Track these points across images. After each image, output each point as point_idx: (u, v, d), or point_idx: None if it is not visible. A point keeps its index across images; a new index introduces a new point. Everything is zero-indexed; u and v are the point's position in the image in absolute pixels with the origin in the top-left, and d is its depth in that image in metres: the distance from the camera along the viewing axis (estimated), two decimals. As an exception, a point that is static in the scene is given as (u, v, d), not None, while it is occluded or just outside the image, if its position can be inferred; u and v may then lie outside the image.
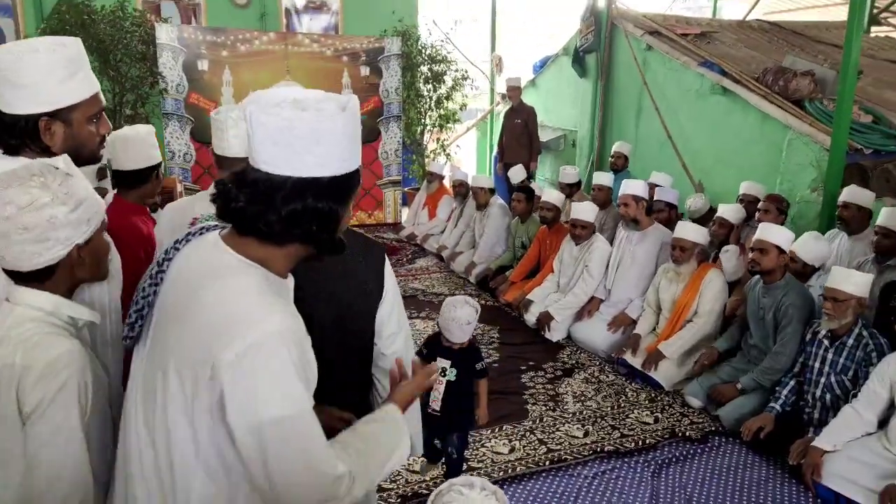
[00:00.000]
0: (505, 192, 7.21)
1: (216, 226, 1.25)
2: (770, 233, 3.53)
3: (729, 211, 4.67)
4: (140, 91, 6.71)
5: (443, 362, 2.72)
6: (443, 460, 2.94)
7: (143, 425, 1.17)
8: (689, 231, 4.06)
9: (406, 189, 8.39)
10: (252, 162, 1.12)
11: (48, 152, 1.52)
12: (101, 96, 1.65)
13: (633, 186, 4.63)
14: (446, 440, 2.85)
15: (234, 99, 6.92)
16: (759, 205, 4.40)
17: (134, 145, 2.56)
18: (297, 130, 1.07)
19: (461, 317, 2.66)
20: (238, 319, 1.07)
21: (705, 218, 5.16)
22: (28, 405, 1.24)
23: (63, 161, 1.37)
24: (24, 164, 1.33)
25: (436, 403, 2.72)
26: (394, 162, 7.85)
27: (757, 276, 3.66)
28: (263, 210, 1.11)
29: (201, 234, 1.25)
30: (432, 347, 2.81)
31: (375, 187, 7.79)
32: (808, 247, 3.69)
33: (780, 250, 3.50)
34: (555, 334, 4.71)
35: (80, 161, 1.56)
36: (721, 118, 6.06)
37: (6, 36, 8.28)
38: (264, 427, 1.07)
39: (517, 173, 6.54)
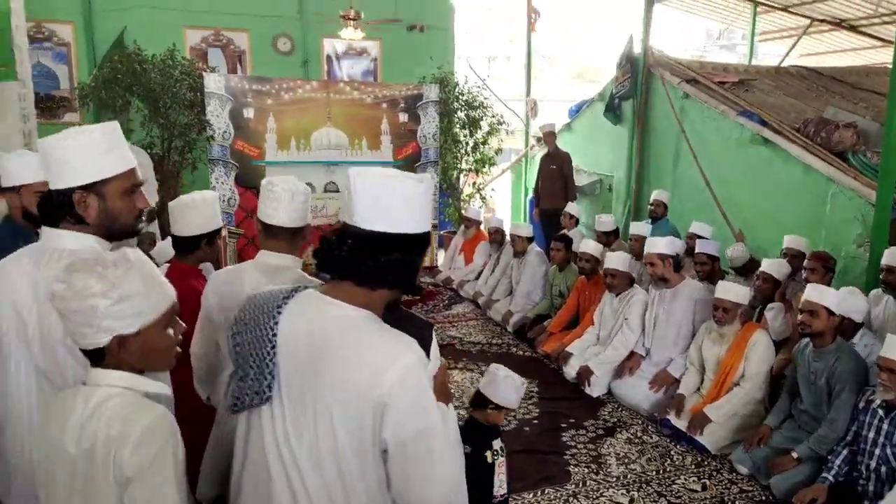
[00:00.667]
0: (541, 238, 7.23)
1: (302, 287, 1.43)
2: (819, 294, 3.47)
3: (773, 266, 4.61)
4: (188, 137, 6.94)
5: (498, 443, 2.68)
6: None
7: (308, 469, 1.32)
8: (731, 291, 4.01)
9: (442, 232, 8.46)
10: (352, 221, 1.33)
11: (83, 223, 1.62)
12: (138, 172, 1.74)
13: (658, 244, 4.58)
14: None
15: (276, 145, 7.10)
16: (805, 263, 4.33)
17: (192, 212, 2.60)
18: (393, 195, 1.33)
19: (518, 380, 2.72)
20: (384, 355, 1.29)
21: (745, 268, 5.11)
22: (128, 472, 1.29)
23: (133, 254, 1.44)
24: (103, 254, 1.46)
25: (504, 487, 2.65)
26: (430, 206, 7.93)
27: (806, 339, 3.60)
28: (364, 259, 1.33)
29: (292, 296, 1.40)
30: (481, 434, 2.68)
31: (412, 232, 7.86)
32: (847, 303, 3.63)
33: (830, 312, 3.44)
34: (595, 389, 4.67)
35: (114, 235, 1.68)
36: (762, 168, 6.02)
37: (60, 81, 8.66)
38: (431, 431, 1.30)
39: (606, 223, 6.31)
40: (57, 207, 1.59)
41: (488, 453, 2.63)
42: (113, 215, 1.63)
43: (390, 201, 1.32)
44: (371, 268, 1.33)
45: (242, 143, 6.97)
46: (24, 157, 2.69)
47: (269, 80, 7.13)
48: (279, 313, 1.37)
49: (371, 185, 1.31)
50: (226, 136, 6.89)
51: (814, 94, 7.40)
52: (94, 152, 1.57)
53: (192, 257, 2.66)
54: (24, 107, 5.50)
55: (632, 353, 4.70)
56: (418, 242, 1.38)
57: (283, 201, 2.03)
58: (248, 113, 6.96)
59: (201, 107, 6.89)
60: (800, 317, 3.52)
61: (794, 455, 3.42)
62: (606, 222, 6.27)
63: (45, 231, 1.63)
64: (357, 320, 1.34)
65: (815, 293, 3.47)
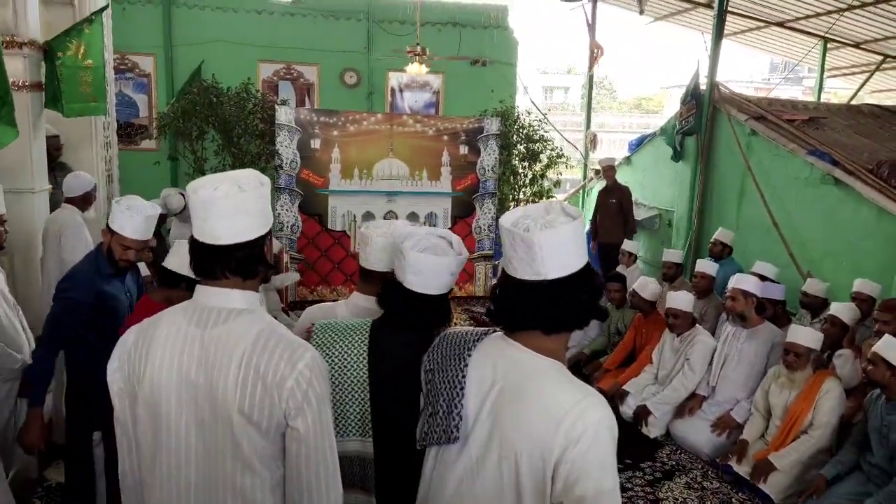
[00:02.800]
0: (598, 272, 7.18)
1: (491, 331, 1.45)
2: (891, 350, 3.35)
3: (842, 310, 4.46)
4: (258, 166, 7.22)
5: None
6: None
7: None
8: (804, 336, 3.90)
9: (496, 262, 8.50)
10: (538, 275, 1.33)
11: (253, 277, 1.53)
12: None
13: (745, 281, 4.49)
14: None
15: (340, 175, 7.31)
16: (875, 314, 4.17)
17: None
18: (568, 237, 1.33)
19: None
20: (571, 407, 1.27)
21: (818, 307, 4.96)
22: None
23: None
24: None
25: None
26: (486, 237, 7.99)
27: (878, 389, 3.47)
28: (568, 307, 1.34)
29: (482, 339, 1.43)
30: None
31: (468, 261, 7.93)
32: None
33: (904, 366, 3.31)
34: (653, 430, 4.58)
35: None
36: (832, 209, 5.85)
37: (140, 109, 9.17)
38: (607, 494, 1.25)
39: (674, 255, 6.29)
40: (250, 260, 1.45)
41: None
42: (271, 261, 1.56)
43: (569, 246, 1.33)
44: (572, 312, 1.35)
45: (308, 173, 7.20)
46: (134, 215, 2.74)
47: (335, 112, 7.38)
48: (469, 356, 1.40)
49: (552, 238, 1.30)
50: (293, 165, 7.14)
51: (887, 135, 7.16)
52: (268, 199, 1.52)
53: (163, 293, 2.61)
54: (107, 135, 5.87)
55: (693, 394, 4.60)
56: (591, 269, 1.40)
57: (373, 245, 2.06)
58: (315, 143, 7.20)
59: (271, 137, 7.17)
60: (869, 368, 3.39)
61: (865, 507, 3.27)
62: (675, 254, 6.24)
63: (206, 290, 1.47)
64: (545, 368, 1.34)
65: (886, 348, 3.35)
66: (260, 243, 1.47)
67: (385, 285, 1.89)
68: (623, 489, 3.86)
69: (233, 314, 1.44)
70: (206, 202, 1.40)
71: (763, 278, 5.31)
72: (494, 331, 1.45)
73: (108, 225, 2.79)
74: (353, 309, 2.02)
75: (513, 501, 1.29)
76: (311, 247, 7.36)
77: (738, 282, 4.51)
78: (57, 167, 5.35)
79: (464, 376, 1.38)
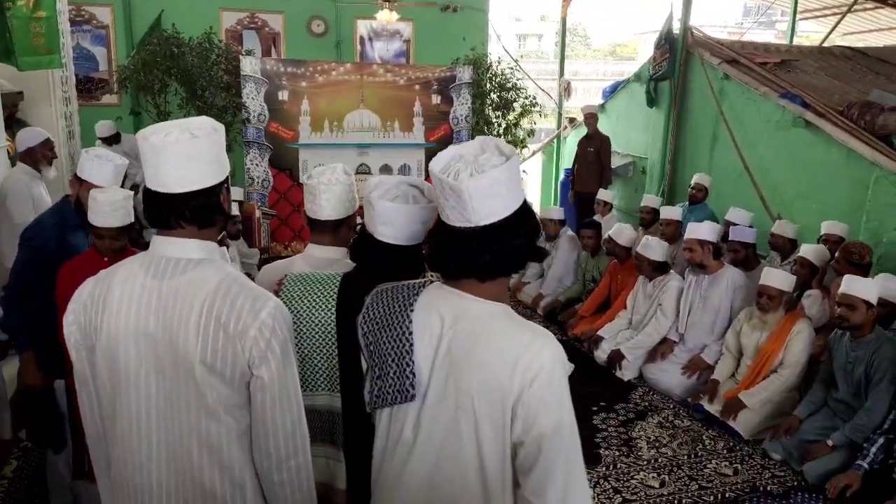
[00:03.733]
0: (574, 221, 7.20)
1: (428, 282, 1.41)
2: (857, 287, 3.41)
3: (812, 252, 4.53)
4: (224, 120, 7.03)
5: None
6: None
7: (447, 464, 1.32)
8: (777, 278, 3.95)
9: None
10: (469, 222, 1.28)
11: (211, 226, 1.49)
12: None
13: (699, 230, 4.52)
14: None
15: (310, 127, 7.16)
16: (836, 255, 4.23)
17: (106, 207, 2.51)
18: (500, 182, 1.27)
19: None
20: (525, 349, 1.25)
21: (787, 249, 5.03)
22: None
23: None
24: None
25: None
26: (462, 188, 7.94)
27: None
28: (505, 251, 1.29)
29: (420, 291, 1.38)
30: None
31: (442, 212, 7.89)
32: (885, 288, 3.58)
33: (869, 304, 3.39)
34: (626, 373, 4.67)
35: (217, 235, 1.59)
36: (803, 151, 5.89)
37: (99, 63, 8.82)
38: (566, 428, 1.25)
39: (652, 200, 6.45)
40: (205, 208, 1.41)
41: None
42: (229, 211, 1.53)
43: (502, 188, 1.27)
44: (512, 255, 1.31)
45: (277, 126, 7.03)
46: (103, 163, 2.71)
47: (303, 62, 7.17)
48: (412, 310, 1.35)
49: (482, 185, 1.25)
50: (261, 118, 6.96)
51: (858, 76, 7.18)
52: (223, 146, 1.47)
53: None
54: (65, 90, 5.65)
55: (665, 339, 4.68)
56: (529, 210, 1.35)
57: (320, 193, 2.00)
58: (283, 95, 7.02)
59: (237, 89, 6.97)
60: (837, 310, 3.47)
61: (830, 443, 3.39)
62: (655, 199, 6.38)
63: (163, 240, 1.43)
64: (494, 313, 1.32)
65: (852, 286, 3.42)
66: (216, 191, 1.43)
67: (356, 237, 1.84)
68: (597, 430, 3.95)
69: (191, 264, 1.40)
70: (157, 149, 1.35)
71: (731, 223, 5.38)
72: (431, 281, 1.41)
73: (75, 175, 2.75)
74: (311, 261, 1.97)
75: (473, 449, 1.28)
76: (284, 202, 7.24)
77: (692, 232, 4.55)
78: (15, 124, 5.16)
79: (410, 332, 1.33)
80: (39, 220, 2.82)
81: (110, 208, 2.50)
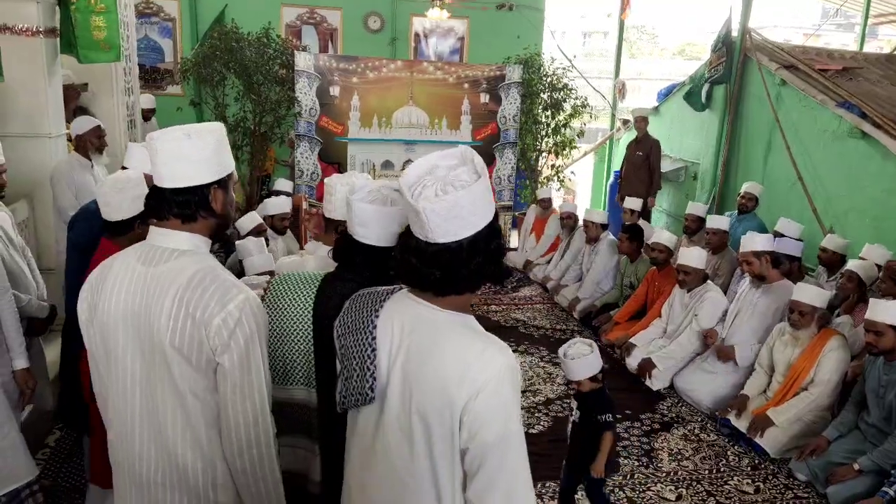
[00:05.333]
0: (618, 226, 7.11)
1: (398, 288, 1.45)
2: (882, 312, 3.29)
3: (862, 267, 4.37)
4: (277, 113, 7.25)
5: (574, 402, 2.99)
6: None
7: (403, 467, 1.37)
8: (808, 294, 3.84)
9: (516, 213, 8.46)
10: (428, 238, 1.31)
11: (198, 220, 1.60)
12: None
13: (753, 242, 4.41)
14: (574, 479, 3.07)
15: (359, 123, 7.30)
16: (881, 275, 4.07)
17: (122, 195, 2.54)
18: (460, 206, 1.29)
19: (574, 352, 2.87)
20: (475, 360, 1.30)
21: (835, 263, 4.88)
22: None
23: None
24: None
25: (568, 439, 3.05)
26: (506, 187, 7.94)
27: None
28: (457, 272, 1.33)
29: (388, 297, 1.44)
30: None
31: (488, 212, 7.91)
32: None
33: None
34: (656, 383, 4.61)
35: (219, 232, 1.69)
36: (858, 163, 5.67)
37: (165, 54, 9.20)
38: (512, 436, 1.30)
39: (699, 208, 6.38)
40: (190, 204, 1.54)
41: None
42: (230, 209, 1.65)
43: (463, 211, 1.29)
44: (465, 277, 1.34)
45: (327, 120, 7.21)
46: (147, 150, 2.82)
47: (354, 59, 7.32)
48: (377, 316, 1.40)
49: (440, 208, 1.27)
50: (312, 112, 7.14)
51: (927, 85, 6.83)
52: (222, 148, 1.60)
53: (125, 239, 2.49)
54: (128, 80, 5.93)
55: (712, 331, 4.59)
56: (495, 226, 1.37)
57: (337, 194, 2.07)
58: (335, 91, 7.18)
59: (291, 84, 7.17)
60: (865, 337, 3.36)
61: (856, 467, 3.28)
62: (700, 208, 6.30)
63: (156, 231, 1.58)
64: (449, 323, 1.36)
65: (878, 311, 3.30)
66: (201, 190, 1.55)
67: (339, 238, 1.89)
68: (619, 439, 3.93)
69: (175, 254, 1.53)
70: (156, 147, 1.51)
71: (779, 234, 5.23)
72: (401, 288, 1.45)
73: (122, 167, 2.88)
74: (320, 262, 2.05)
75: (425, 451, 1.33)
76: (331, 194, 7.42)
77: (747, 244, 4.43)
78: (78, 112, 5.45)
79: (374, 338, 1.39)
80: (85, 208, 2.98)
81: (118, 196, 2.50)
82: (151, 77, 8.75)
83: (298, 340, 1.83)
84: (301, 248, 6.31)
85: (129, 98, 6.02)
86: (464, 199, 1.28)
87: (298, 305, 1.84)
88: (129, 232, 2.53)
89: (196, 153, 1.52)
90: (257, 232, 4.88)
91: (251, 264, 4.16)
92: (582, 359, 2.88)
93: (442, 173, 1.32)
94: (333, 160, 7.33)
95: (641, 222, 6.37)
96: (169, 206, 1.53)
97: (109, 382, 1.59)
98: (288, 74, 7.29)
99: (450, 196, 1.27)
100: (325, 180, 2.15)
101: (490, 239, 1.34)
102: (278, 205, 5.37)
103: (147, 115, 6.93)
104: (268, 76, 7.30)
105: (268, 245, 4.64)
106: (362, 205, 1.72)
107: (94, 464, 2.62)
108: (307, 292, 1.84)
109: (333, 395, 1.46)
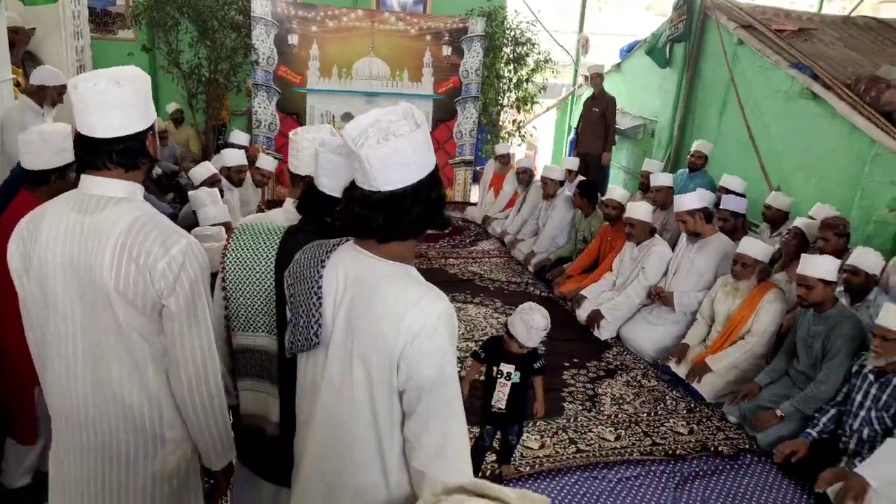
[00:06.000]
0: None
1: (344, 240, 1.52)
2: (812, 266, 3.48)
3: (807, 225, 4.53)
4: (234, 61, 7.09)
5: (507, 367, 2.96)
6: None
7: (345, 409, 1.45)
8: (753, 248, 4.01)
9: (478, 168, 8.50)
10: (371, 187, 1.37)
11: (136, 169, 1.64)
12: None
13: (685, 201, 4.56)
14: (506, 430, 3.13)
15: (319, 73, 7.20)
16: (818, 232, 4.26)
17: (43, 146, 2.53)
18: (401, 153, 1.35)
19: (541, 323, 2.86)
20: (412, 307, 1.37)
21: (779, 220, 5.07)
22: None
23: None
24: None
25: (501, 403, 3.00)
26: (467, 142, 7.96)
27: (810, 304, 3.62)
28: (400, 218, 1.39)
29: (335, 249, 1.50)
30: (495, 352, 3.00)
31: (448, 166, 7.95)
32: (861, 258, 3.65)
33: (826, 282, 3.45)
34: (604, 333, 4.79)
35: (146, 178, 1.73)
36: (807, 124, 5.83)
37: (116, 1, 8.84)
38: (446, 380, 1.38)
39: (654, 164, 6.58)
40: (131, 152, 1.56)
41: (494, 369, 2.98)
42: (159, 153, 1.70)
43: (404, 158, 1.35)
44: (408, 224, 1.40)
45: (285, 69, 7.09)
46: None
47: (313, 6, 7.16)
48: (323, 266, 1.47)
49: (382, 154, 1.33)
50: (270, 61, 7.01)
51: (877, 49, 6.99)
52: (149, 93, 1.62)
53: (42, 190, 2.51)
54: (77, 24, 5.74)
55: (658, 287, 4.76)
56: (436, 176, 1.44)
57: (302, 149, 2.06)
58: (293, 39, 7.04)
59: (248, 31, 7.00)
60: (797, 291, 3.54)
61: (779, 413, 3.50)
62: (653, 164, 6.46)
63: (89, 179, 1.57)
64: (390, 273, 1.42)
65: (808, 266, 3.49)
66: (140, 137, 1.57)
67: (304, 190, 1.92)
68: (565, 385, 4.10)
69: (112, 202, 1.56)
70: (86, 96, 1.49)
71: (727, 191, 5.40)
72: (348, 240, 1.51)
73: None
74: (287, 215, 2.08)
75: (365, 393, 1.42)
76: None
77: (679, 205, 4.59)
78: (27, 57, 5.27)
79: (319, 287, 1.46)
80: None
81: (44, 148, 2.49)
82: (102, 21, 8.42)
83: (261, 290, 1.87)
84: (261, 200, 6.28)
85: (79, 42, 5.84)
86: (404, 146, 1.35)
87: (261, 256, 1.87)
88: (44, 185, 2.51)
89: (129, 100, 1.53)
90: (211, 182, 4.83)
91: (205, 215, 4.14)
92: (542, 332, 2.91)
93: (384, 125, 1.38)
94: (292, 111, 7.24)
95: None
96: (109, 156, 1.54)
97: (47, 330, 1.61)
98: (244, 20, 7.10)
99: (390, 143, 1.34)
100: (290, 135, 2.16)
101: (431, 188, 1.41)
102: (235, 157, 5.31)
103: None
104: (223, 22, 7.10)
105: (223, 196, 4.61)
106: (329, 155, 1.75)
107: (19, 425, 2.69)
108: (270, 243, 1.87)
109: None
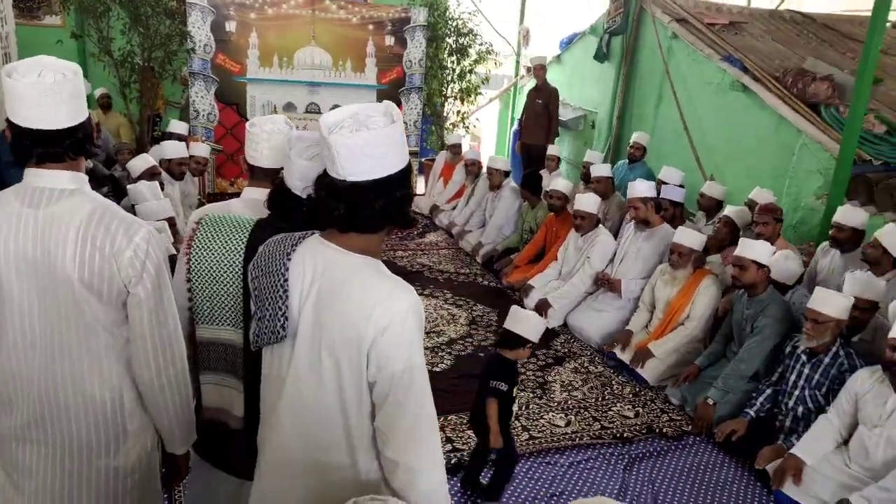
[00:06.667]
0: (519, 172, 7.32)
1: (309, 234, 1.52)
2: (748, 249, 3.67)
3: (736, 212, 4.74)
4: (168, 48, 6.84)
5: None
6: None
7: (311, 401, 1.46)
8: (688, 238, 4.17)
9: (423, 160, 8.51)
10: (338, 175, 1.38)
11: (78, 158, 1.65)
12: None
13: (639, 188, 4.71)
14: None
15: (259, 62, 7.04)
16: (755, 216, 4.48)
17: None
18: (371, 146, 1.36)
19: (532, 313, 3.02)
20: (380, 297, 1.39)
21: (714, 209, 5.28)
22: None
23: None
24: None
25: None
26: (413, 133, 7.94)
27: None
28: (362, 210, 1.40)
29: (300, 242, 1.50)
30: (514, 371, 3.01)
31: (392, 156, 7.90)
32: (780, 266, 3.83)
33: (760, 265, 3.64)
34: (551, 321, 4.89)
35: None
36: (738, 115, 6.08)
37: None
38: (415, 369, 1.40)
39: (596, 158, 6.61)
40: (81, 141, 1.57)
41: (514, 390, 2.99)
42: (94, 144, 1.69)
43: (373, 150, 1.36)
44: (370, 216, 1.41)
45: (224, 58, 6.90)
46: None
47: (252, -7, 6.98)
48: (289, 259, 1.47)
49: (352, 143, 1.34)
50: (207, 49, 6.81)
51: (802, 42, 7.34)
52: (82, 87, 1.61)
53: None
54: (0, 8, 5.42)
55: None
56: (406, 176, 1.44)
57: (261, 141, 2.04)
58: (231, 27, 6.86)
59: (183, 17, 6.77)
60: (732, 271, 3.72)
61: (710, 402, 3.66)
62: (594, 155, 6.59)
63: (35, 172, 1.56)
64: (357, 266, 1.43)
65: (744, 248, 3.67)
66: (85, 126, 1.59)
67: (274, 188, 1.90)
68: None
69: (64, 194, 1.56)
70: (34, 88, 1.48)
71: (663, 182, 5.58)
72: (313, 233, 1.52)
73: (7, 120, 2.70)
74: (248, 203, 2.04)
75: (334, 385, 1.43)
76: (231, 137, 7.17)
77: (634, 191, 4.73)
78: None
79: (286, 279, 1.46)
80: None
81: None
82: (26, 5, 7.99)
83: (227, 283, 1.85)
84: (200, 193, 6.11)
85: (3, 28, 5.51)
86: (374, 139, 1.36)
87: (229, 249, 1.85)
88: None
89: (77, 91, 1.55)
90: (150, 175, 4.68)
91: (146, 210, 4.01)
92: (530, 319, 2.94)
93: (362, 118, 1.40)
94: (231, 101, 7.06)
95: (553, 173, 6.61)
96: (60, 146, 1.54)
97: (6, 331, 1.58)
98: (179, 7, 6.86)
99: (362, 134, 1.35)
100: (248, 127, 2.13)
101: (398, 185, 1.42)
102: (176, 149, 5.15)
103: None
104: (157, 7, 6.83)
105: (163, 190, 4.47)
106: (303, 161, 1.75)
107: None
108: (238, 236, 1.85)
109: None
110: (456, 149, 7.45)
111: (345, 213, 1.40)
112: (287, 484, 1.54)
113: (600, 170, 5.81)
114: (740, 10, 8.21)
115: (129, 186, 4.28)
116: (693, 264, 4.23)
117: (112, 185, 5.66)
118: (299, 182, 1.77)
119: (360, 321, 1.38)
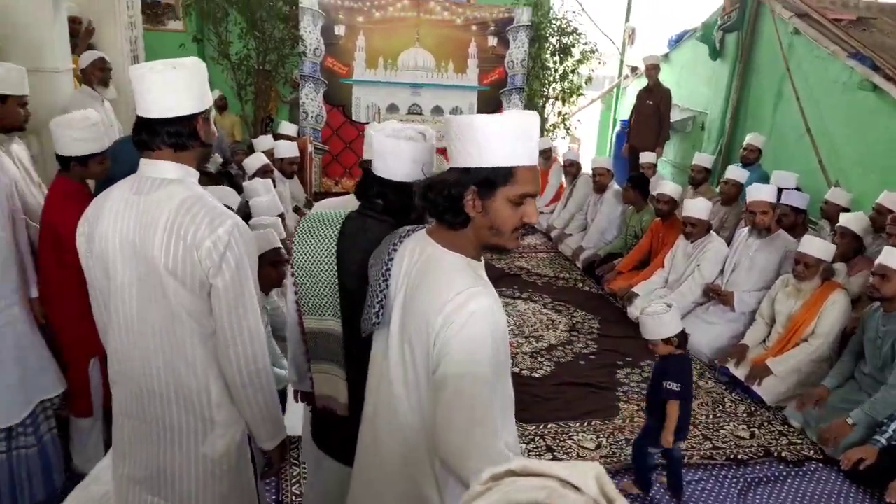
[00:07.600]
0: (624, 175, 7.10)
1: (419, 227, 1.57)
2: (894, 258, 3.35)
3: (851, 220, 4.34)
4: (282, 52, 7.12)
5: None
6: None
7: (401, 389, 1.49)
8: (815, 247, 3.88)
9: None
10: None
11: (186, 150, 1.71)
12: None
13: (767, 192, 4.42)
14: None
15: (365, 64, 7.19)
16: (888, 227, 4.10)
17: (70, 132, 2.60)
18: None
19: (648, 310, 2.95)
20: (456, 296, 1.36)
21: (838, 217, 4.89)
22: None
23: None
24: None
25: None
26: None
27: (877, 302, 3.50)
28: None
29: (409, 234, 1.56)
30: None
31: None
32: None
33: (904, 276, 3.33)
34: (657, 331, 4.69)
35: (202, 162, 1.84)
36: (867, 117, 5.63)
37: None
38: (476, 378, 1.33)
39: (704, 159, 6.24)
40: (181, 134, 1.62)
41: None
42: (213, 140, 1.76)
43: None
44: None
45: (332, 61, 7.09)
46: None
47: (361, -4, 7.15)
48: (395, 250, 1.53)
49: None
50: (317, 52, 7.02)
51: (943, 38, 6.71)
52: (204, 80, 1.67)
53: (72, 174, 2.64)
54: (131, 14, 5.81)
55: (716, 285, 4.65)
56: (435, 186, 1.45)
57: (387, 153, 2.12)
58: (339, 30, 7.04)
59: (296, 21, 7.02)
60: (871, 280, 3.41)
61: (850, 422, 3.36)
62: (706, 158, 6.17)
63: (146, 162, 1.65)
64: (445, 261, 1.44)
65: (890, 257, 3.35)
66: (191, 119, 1.63)
67: (363, 174, 1.96)
68: (619, 383, 4.04)
69: (164, 183, 1.62)
70: (141, 78, 1.56)
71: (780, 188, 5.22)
72: (423, 227, 1.56)
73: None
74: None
75: (413, 378, 1.45)
76: (336, 138, 7.37)
77: (757, 194, 4.43)
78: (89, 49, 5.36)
79: (388, 269, 1.52)
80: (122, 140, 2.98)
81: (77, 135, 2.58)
82: (153, 11, 8.53)
83: (326, 275, 1.90)
84: (306, 194, 6.30)
85: (133, 32, 5.91)
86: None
87: (323, 242, 1.90)
88: (66, 170, 2.62)
89: (182, 84, 1.59)
90: (263, 172, 4.87)
91: (258, 204, 4.17)
92: (655, 317, 2.85)
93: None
94: (338, 102, 7.25)
95: (652, 179, 6.35)
96: (160, 136, 1.60)
97: (112, 310, 1.68)
98: (292, 11, 7.13)
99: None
100: (366, 130, 2.19)
101: (429, 189, 1.45)
102: (289, 148, 5.36)
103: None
104: (271, 12, 7.13)
105: (275, 187, 4.64)
106: (380, 137, 1.79)
107: (75, 397, 2.78)
108: (332, 230, 1.90)
109: (355, 326, 1.60)
110: (546, 153, 7.29)
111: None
112: (375, 476, 1.59)
113: (734, 173, 5.47)
114: (868, 4, 7.60)
115: (244, 183, 4.46)
116: (821, 276, 3.93)
117: (228, 181, 5.94)
118: (378, 161, 1.81)
119: (433, 314, 1.38)
